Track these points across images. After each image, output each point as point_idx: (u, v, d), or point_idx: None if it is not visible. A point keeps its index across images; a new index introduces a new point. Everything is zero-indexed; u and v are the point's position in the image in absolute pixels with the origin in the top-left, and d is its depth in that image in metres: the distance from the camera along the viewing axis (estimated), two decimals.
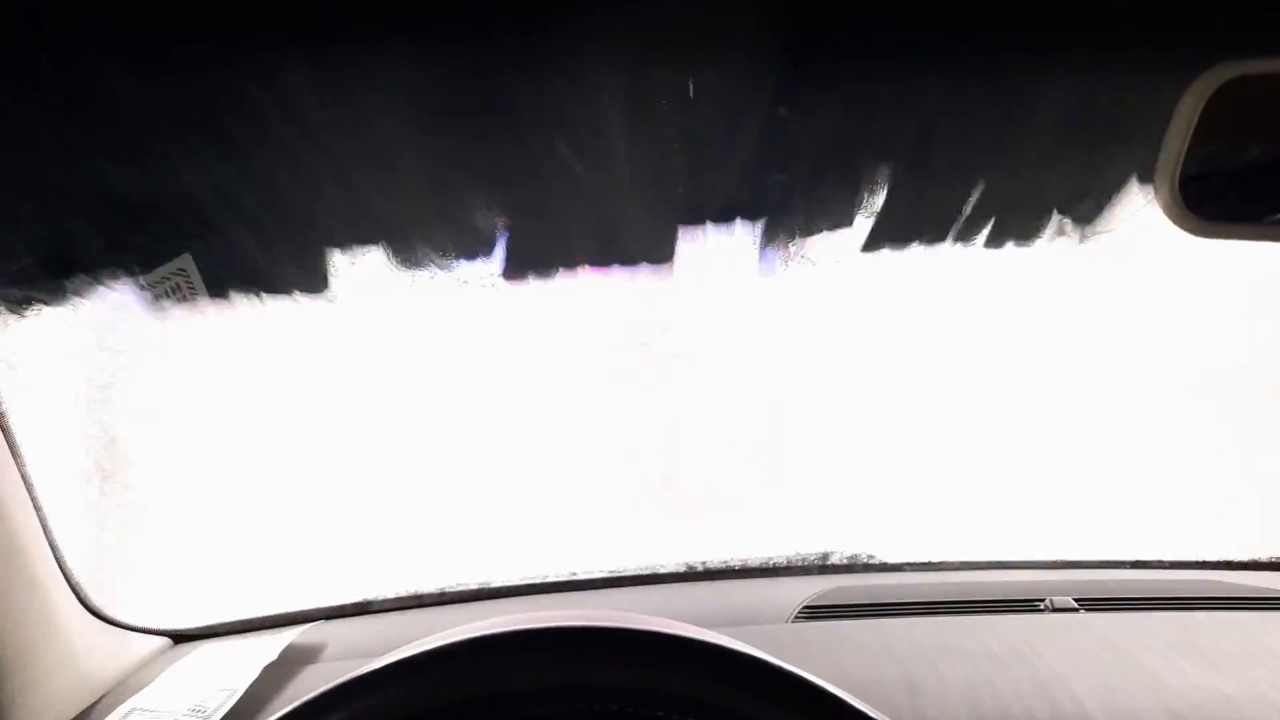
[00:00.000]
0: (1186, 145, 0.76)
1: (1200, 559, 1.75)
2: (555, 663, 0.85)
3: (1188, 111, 0.76)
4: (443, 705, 0.82)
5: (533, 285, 1.58)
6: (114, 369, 1.55)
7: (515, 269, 1.54)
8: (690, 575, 1.74)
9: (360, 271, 1.57)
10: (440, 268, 1.54)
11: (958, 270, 1.84)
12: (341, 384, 1.77)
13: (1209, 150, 0.77)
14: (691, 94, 1.34)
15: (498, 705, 0.84)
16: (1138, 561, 1.75)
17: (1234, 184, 0.77)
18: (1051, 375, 1.87)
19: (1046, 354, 1.87)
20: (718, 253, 1.81)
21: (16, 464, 1.22)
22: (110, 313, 1.51)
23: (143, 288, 1.40)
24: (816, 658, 1.33)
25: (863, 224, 1.57)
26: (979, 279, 1.85)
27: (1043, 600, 1.51)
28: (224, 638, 1.45)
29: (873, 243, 1.59)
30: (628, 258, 1.60)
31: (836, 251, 1.73)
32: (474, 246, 1.52)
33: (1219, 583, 1.61)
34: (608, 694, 0.84)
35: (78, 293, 1.40)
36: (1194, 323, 1.90)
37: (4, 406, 1.22)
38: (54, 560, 1.28)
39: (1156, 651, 1.36)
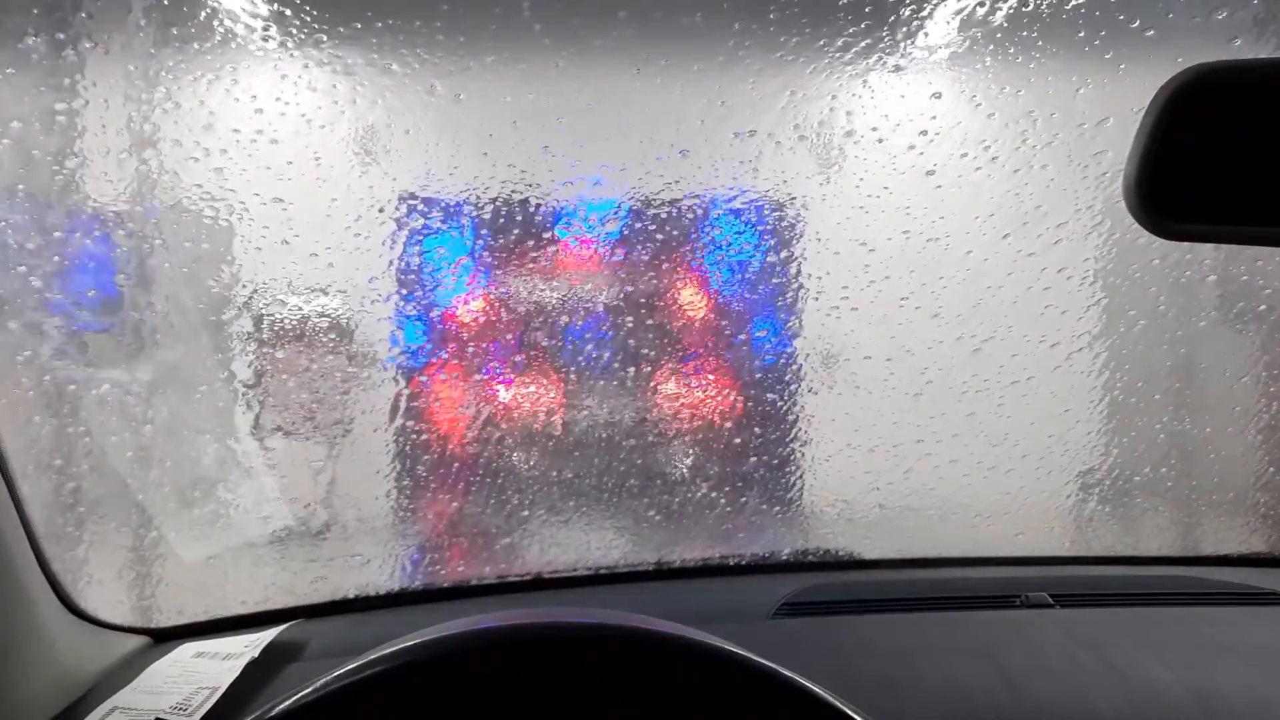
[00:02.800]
0: (1154, 146, 0.77)
1: (1172, 554, 1.78)
2: (538, 659, 0.86)
3: (1155, 112, 0.77)
4: (425, 699, 0.83)
5: None
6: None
7: None
8: (670, 573, 1.75)
9: None
10: None
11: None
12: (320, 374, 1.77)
13: (1177, 151, 0.78)
14: None
15: (477, 701, 0.84)
16: (1111, 557, 1.78)
17: (1202, 185, 0.78)
18: (1027, 369, 1.89)
19: (1021, 345, 1.89)
20: None
21: None
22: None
23: None
24: (795, 654, 1.34)
25: None
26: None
27: (1018, 596, 1.53)
28: (205, 636, 1.45)
29: None
30: None
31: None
32: None
33: (1190, 578, 1.63)
34: (587, 690, 0.85)
35: None
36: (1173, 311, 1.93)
37: None
38: (34, 558, 1.28)
39: (1129, 646, 1.38)
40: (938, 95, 1.85)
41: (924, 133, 1.83)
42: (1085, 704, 1.23)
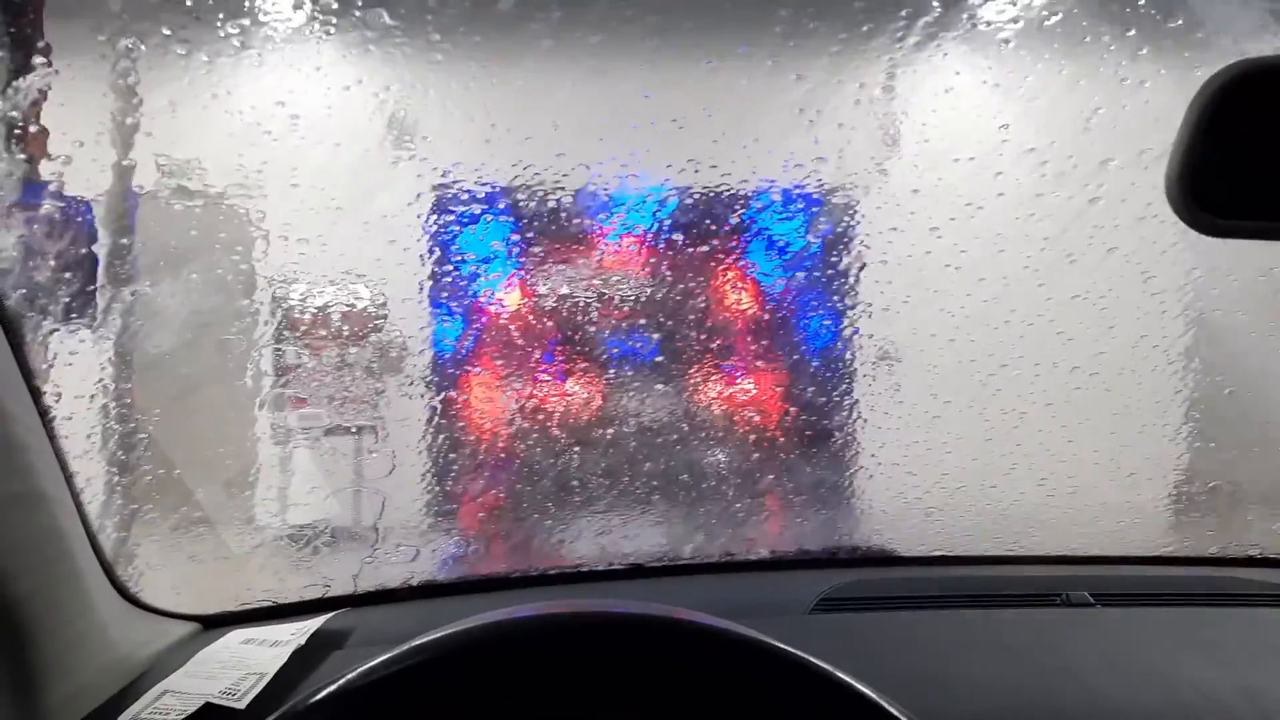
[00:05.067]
0: (1197, 142, 0.76)
1: (1216, 555, 1.75)
2: (579, 648, 0.87)
3: (1199, 108, 0.76)
4: (465, 687, 0.85)
5: None
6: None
7: None
8: (708, 567, 1.75)
9: None
10: None
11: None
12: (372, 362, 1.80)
13: (1221, 147, 0.77)
14: None
15: (517, 689, 0.86)
16: (1154, 557, 1.76)
17: (1245, 182, 0.78)
18: (1069, 369, 1.88)
19: (1065, 343, 1.88)
20: None
21: (54, 447, 1.25)
22: None
23: None
24: (833, 649, 1.33)
25: None
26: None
27: (1059, 595, 1.51)
28: (254, 623, 1.47)
29: None
30: None
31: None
32: None
33: (1235, 579, 1.61)
34: (627, 680, 0.86)
35: None
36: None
37: (44, 393, 1.24)
38: (89, 544, 1.31)
39: (1171, 646, 1.36)
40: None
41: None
42: (1126, 704, 1.22)
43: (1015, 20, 1.82)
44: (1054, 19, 1.80)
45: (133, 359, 1.57)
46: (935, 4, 1.76)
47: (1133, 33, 1.80)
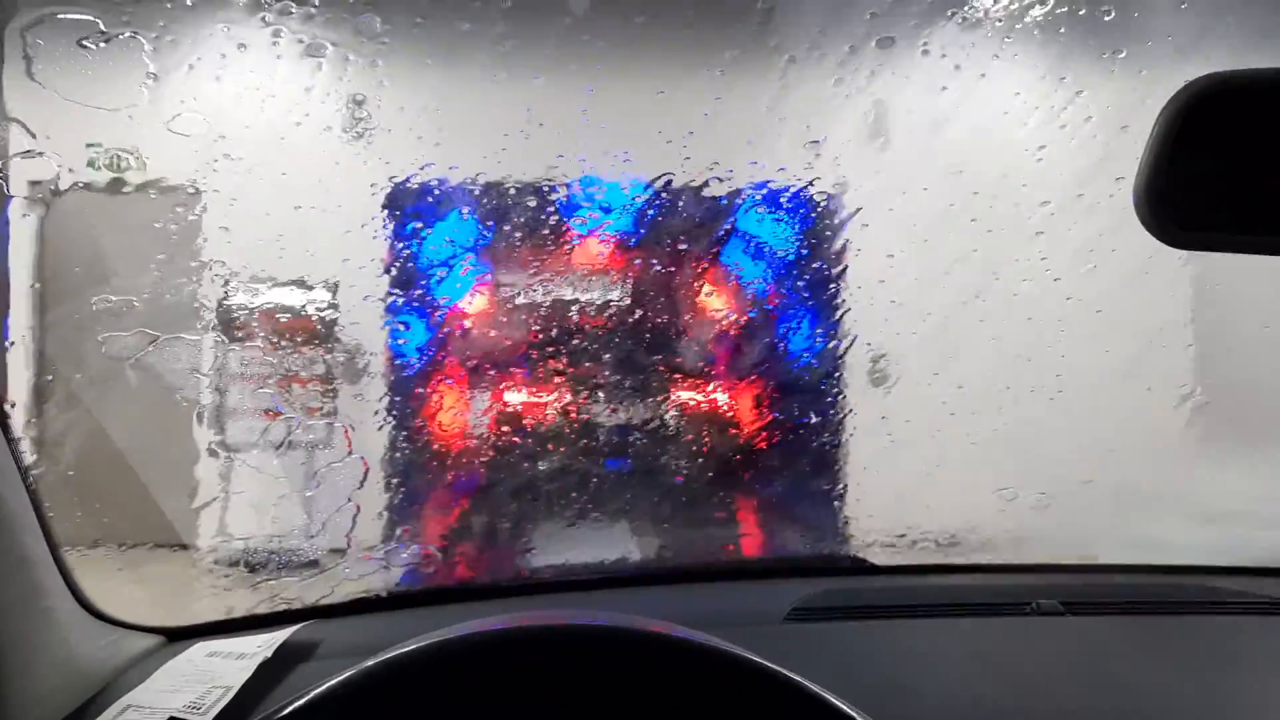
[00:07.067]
0: (1164, 155, 0.77)
1: (1185, 564, 1.77)
2: (548, 661, 0.86)
3: (1165, 121, 0.77)
4: (433, 700, 0.84)
5: None
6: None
7: None
8: (681, 576, 1.75)
9: None
10: None
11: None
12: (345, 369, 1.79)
13: (1187, 160, 0.78)
14: None
15: (485, 702, 0.85)
16: (1123, 566, 1.77)
17: (1212, 194, 0.79)
18: (1044, 377, 1.89)
19: (1043, 351, 1.90)
20: None
21: (14, 458, 1.23)
22: None
23: None
24: (805, 659, 1.32)
25: None
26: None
27: (1029, 603, 1.52)
28: (219, 636, 1.46)
29: None
30: None
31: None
32: None
33: (1203, 587, 1.63)
34: (597, 693, 0.85)
35: None
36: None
37: (2, 405, 1.22)
38: (50, 557, 1.29)
39: (1141, 654, 1.37)
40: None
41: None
42: (1096, 713, 1.23)
43: (957, 69, 1.85)
44: (992, 70, 1.84)
45: (93, 371, 1.55)
46: (873, 45, 1.79)
47: (1067, 78, 1.84)
